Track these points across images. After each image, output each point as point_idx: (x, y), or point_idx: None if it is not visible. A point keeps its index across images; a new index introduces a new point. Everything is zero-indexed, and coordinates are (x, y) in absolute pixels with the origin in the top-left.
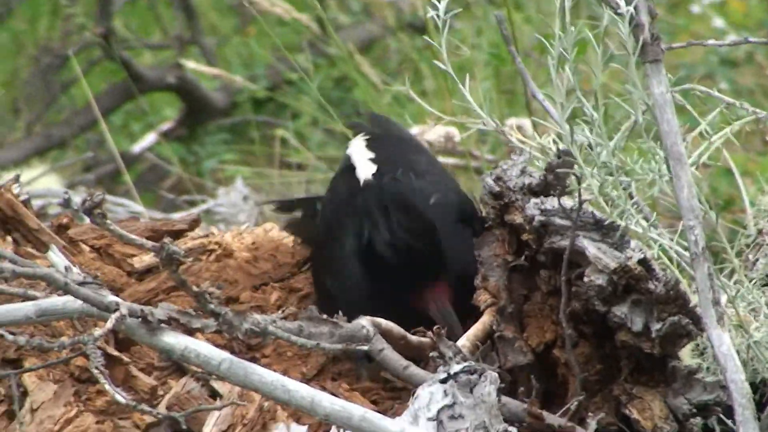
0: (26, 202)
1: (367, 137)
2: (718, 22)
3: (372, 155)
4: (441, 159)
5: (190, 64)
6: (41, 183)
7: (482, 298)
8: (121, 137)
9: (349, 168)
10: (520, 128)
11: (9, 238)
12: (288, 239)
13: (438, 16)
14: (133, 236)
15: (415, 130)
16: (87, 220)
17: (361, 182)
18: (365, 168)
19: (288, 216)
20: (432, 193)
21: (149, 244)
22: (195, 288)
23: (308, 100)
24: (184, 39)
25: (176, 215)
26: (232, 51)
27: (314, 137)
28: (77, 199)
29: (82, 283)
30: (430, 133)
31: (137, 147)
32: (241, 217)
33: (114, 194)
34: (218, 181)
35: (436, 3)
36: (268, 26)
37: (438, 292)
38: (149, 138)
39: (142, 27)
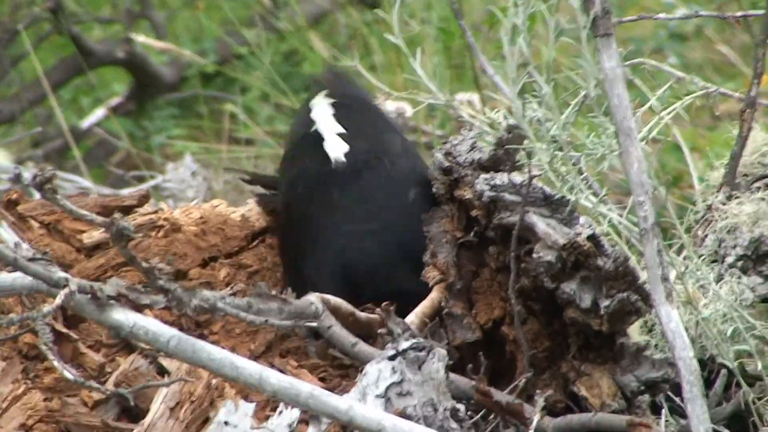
0: None
1: (333, 102)
2: None
3: (341, 129)
4: None
5: (140, 39)
6: None
7: (431, 274)
8: (70, 112)
9: (314, 136)
10: (469, 103)
11: None
12: (236, 214)
13: None
14: (83, 212)
15: None
16: (37, 195)
17: (332, 162)
18: (335, 144)
19: (241, 190)
20: (410, 185)
21: (99, 219)
22: (144, 264)
23: (257, 75)
24: (133, 13)
25: (125, 191)
26: (182, 25)
27: (263, 112)
28: (27, 174)
29: (31, 259)
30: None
31: (86, 122)
32: (190, 192)
33: (62, 170)
34: (167, 156)
35: None
36: (218, 0)
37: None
38: (98, 113)
39: (92, 1)
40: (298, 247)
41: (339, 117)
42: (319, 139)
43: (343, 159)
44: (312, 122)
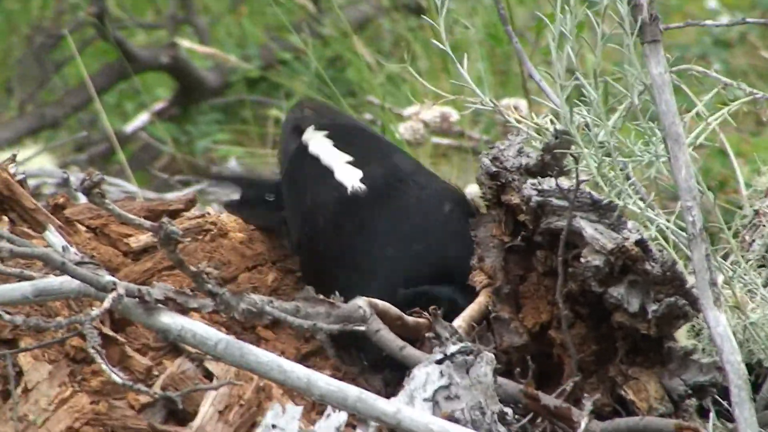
0: (22, 182)
1: (327, 133)
2: (711, 2)
3: (347, 157)
4: (436, 139)
5: (184, 44)
6: (34, 162)
7: (478, 278)
8: (114, 117)
9: (313, 162)
10: (516, 108)
11: (5, 218)
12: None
13: None
14: (131, 216)
15: (410, 109)
16: (83, 199)
17: (349, 190)
18: (347, 172)
19: (228, 192)
20: (439, 200)
21: (147, 223)
22: (192, 268)
23: (301, 80)
24: (177, 18)
25: (170, 195)
26: (225, 31)
27: None
28: (74, 178)
29: (79, 263)
30: (425, 112)
31: (130, 127)
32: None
33: (107, 174)
34: (211, 161)
35: None
36: (261, 5)
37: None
38: (142, 118)
39: (136, 6)
40: (333, 277)
41: (339, 146)
42: (321, 168)
43: (361, 185)
44: (303, 149)
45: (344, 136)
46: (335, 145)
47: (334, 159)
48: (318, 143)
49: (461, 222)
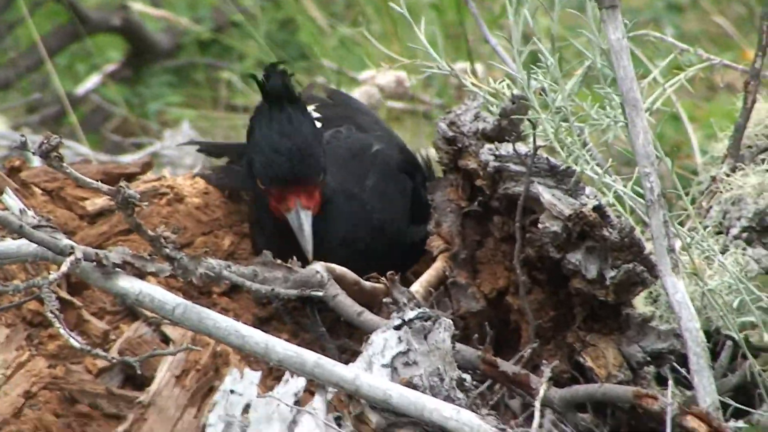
0: None
1: (318, 105)
2: None
3: (318, 115)
4: (390, 104)
5: (137, 6)
6: None
7: (435, 243)
8: (65, 79)
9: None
10: (467, 73)
11: None
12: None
13: None
14: (88, 179)
15: (366, 74)
16: (36, 162)
17: None
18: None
19: (211, 160)
20: (374, 144)
21: (105, 187)
22: (150, 232)
23: (253, 43)
24: None
25: (124, 158)
26: None
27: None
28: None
29: (36, 226)
30: (380, 77)
31: (82, 89)
32: (188, 160)
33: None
34: (163, 123)
35: None
36: None
37: (305, 194)
38: (94, 80)
39: None
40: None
41: (319, 110)
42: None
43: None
44: None
45: (330, 105)
46: (315, 109)
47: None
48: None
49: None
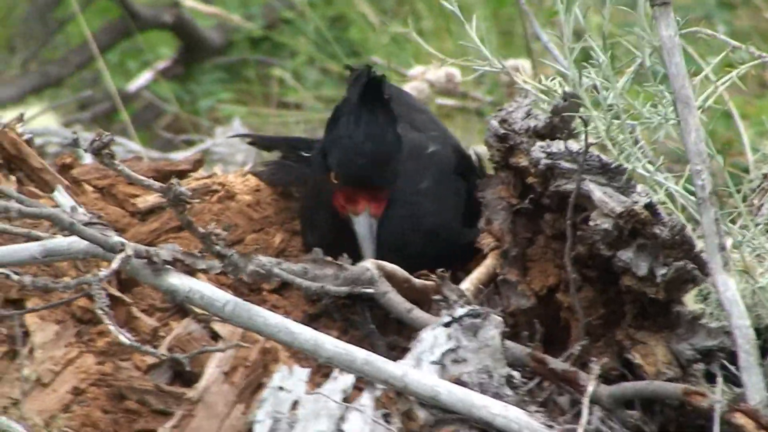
0: (29, 141)
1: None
2: None
3: None
4: (440, 100)
5: (188, 2)
6: (38, 122)
7: (486, 241)
8: (116, 76)
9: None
10: (518, 70)
11: (13, 178)
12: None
13: None
14: (140, 177)
15: (416, 70)
16: (87, 159)
17: None
18: None
19: (265, 154)
20: (429, 145)
21: (156, 185)
22: (201, 229)
23: (305, 40)
24: None
25: (175, 155)
26: None
27: (311, 76)
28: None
29: (87, 224)
30: (430, 73)
31: (133, 86)
32: (239, 157)
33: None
34: (215, 120)
35: None
36: None
37: (375, 201)
38: (145, 76)
39: None
40: (306, 216)
41: None
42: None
43: None
44: None
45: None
46: None
47: None
48: None
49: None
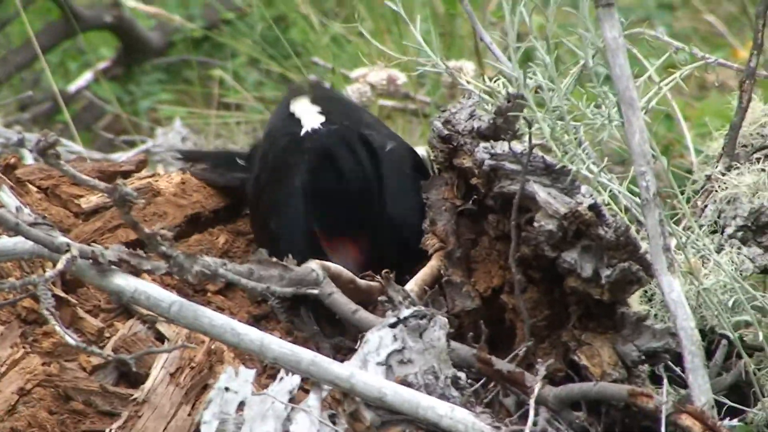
0: None
1: (311, 96)
2: None
3: (318, 109)
4: (382, 101)
5: (129, 3)
6: None
7: (430, 242)
8: (57, 77)
9: (289, 120)
10: (460, 70)
11: None
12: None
13: None
14: (86, 177)
15: (358, 71)
16: (30, 159)
17: (307, 130)
18: (311, 119)
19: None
20: (385, 142)
21: (102, 185)
22: (146, 230)
23: (245, 40)
24: None
25: (116, 155)
26: None
27: (251, 77)
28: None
29: (33, 224)
30: (372, 75)
31: (73, 86)
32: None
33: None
34: (155, 121)
35: None
36: None
37: (351, 248)
38: (86, 77)
39: None
40: (267, 204)
41: (316, 102)
42: (294, 119)
43: (320, 126)
44: (287, 113)
45: (324, 98)
46: (312, 101)
47: (306, 110)
48: (300, 104)
49: (397, 160)
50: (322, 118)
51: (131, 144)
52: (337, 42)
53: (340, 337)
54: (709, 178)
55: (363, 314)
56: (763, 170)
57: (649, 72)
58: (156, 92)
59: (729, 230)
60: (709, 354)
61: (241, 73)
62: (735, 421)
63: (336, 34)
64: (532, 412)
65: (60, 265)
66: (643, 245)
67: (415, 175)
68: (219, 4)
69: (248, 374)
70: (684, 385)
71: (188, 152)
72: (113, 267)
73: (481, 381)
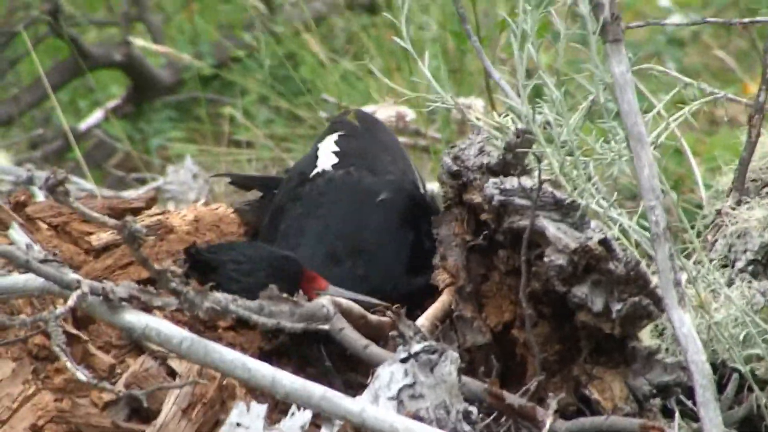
0: None
1: (343, 133)
2: (664, 1)
3: (337, 149)
4: None
5: (139, 42)
6: None
7: (441, 277)
8: (67, 115)
9: (311, 157)
10: (470, 108)
11: None
12: (234, 213)
13: None
14: (95, 214)
15: (367, 108)
16: (41, 197)
17: (314, 172)
18: (325, 160)
19: (243, 193)
20: (381, 192)
21: (112, 222)
22: (156, 266)
23: (255, 78)
24: (130, 16)
25: (127, 193)
26: (178, 28)
27: (262, 115)
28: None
29: (43, 261)
30: (381, 111)
31: (84, 124)
32: (191, 195)
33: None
34: (165, 158)
35: None
36: (214, 2)
37: (310, 282)
38: (96, 115)
39: (88, 3)
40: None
41: (340, 142)
42: (312, 156)
43: (326, 169)
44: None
45: (354, 135)
46: (337, 141)
47: (325, 149)
48: (327, 140)
49: (385, 211)
50: (335, 160)
51: (142, 181)
52: (347, 79)
53: (352, 372)
54: (719, 212)
55: (374, 349)
56: None
57: (657, 107)
58: (166, 130)
59: (739, 264)
60: (720, 387)
61: (251, 110)
62: None
63: (345, 71)
64: None
65: (71, 302)
66: (654, 279)
67: (402, 225)
68: (228, 43)
69: (260, 409)
70: (696, 418)
71: (239, 176)
72: (124, 303)
73: (493, 415)
